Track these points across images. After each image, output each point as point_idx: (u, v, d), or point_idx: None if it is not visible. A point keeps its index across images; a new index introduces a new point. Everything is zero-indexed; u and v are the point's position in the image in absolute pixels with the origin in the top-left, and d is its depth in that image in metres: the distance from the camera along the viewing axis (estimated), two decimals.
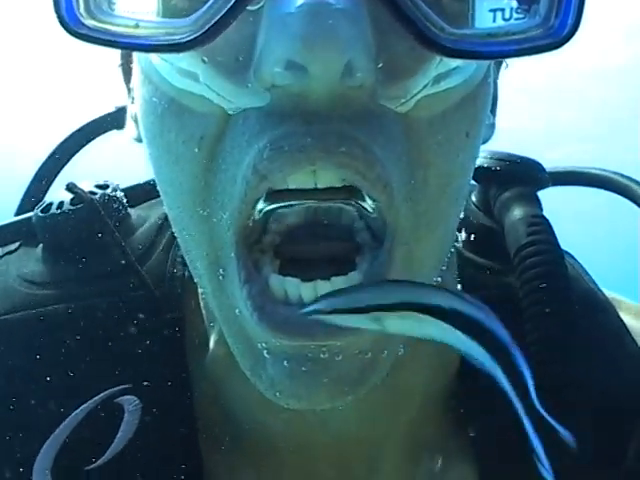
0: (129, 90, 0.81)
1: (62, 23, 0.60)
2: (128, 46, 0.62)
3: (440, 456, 0.87)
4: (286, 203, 0.66)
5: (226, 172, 0.65)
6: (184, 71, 0.64)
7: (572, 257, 0.96)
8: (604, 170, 1.07)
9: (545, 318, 0.83)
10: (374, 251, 0.68)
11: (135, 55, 0.73)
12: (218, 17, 0.59)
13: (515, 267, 0.87)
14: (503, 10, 0.63)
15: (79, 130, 1.10)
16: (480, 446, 0.85)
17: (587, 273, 0.94)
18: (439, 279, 0.76)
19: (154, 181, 0.74)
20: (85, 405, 0.81)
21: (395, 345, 0.72)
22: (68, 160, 1.10)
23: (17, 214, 1.03)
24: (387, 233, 0.67)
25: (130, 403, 0.81)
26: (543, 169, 0.96)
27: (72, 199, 0.89)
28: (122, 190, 0.94)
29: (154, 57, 0.66)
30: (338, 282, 0.65)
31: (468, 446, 0.86)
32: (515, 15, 0.63)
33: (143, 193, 0.95)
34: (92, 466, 0.80)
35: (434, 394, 0.87)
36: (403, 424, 0.86)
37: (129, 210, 0.93)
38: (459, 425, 0.87)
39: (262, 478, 0.86)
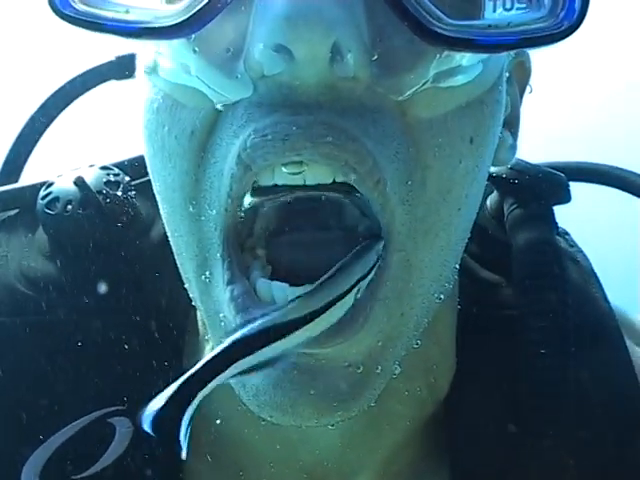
0: None
1: (51, 5, 0.60)
2: (113, 30, 0.60)
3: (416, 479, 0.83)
4: (272, 197, 0.64)
5: (214, 166, 0.63)
6: (177, 63, 0.63)
7: (590, 270, 0.89)
8: (614, 167, 1.02)
9: (540, 358, 0.80)
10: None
11: (137, 55, 0.73)
12: (204, 3, 0.58)
13: (517, 293, 0.83)
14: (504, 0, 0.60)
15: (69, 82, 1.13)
16: (457, 473, 0.82)
17: (602, 288, 0.88)
18: (442, 296, 0.71)
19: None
20: (79, 421, 0.79)
21: (389, 362, 0.68)
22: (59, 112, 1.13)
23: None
24: (382, 236, 0.64)
25: (123, 425, 0.79)
26: (566, 185, 0.90)
27: (81, 200, 0.84)
28: (128, 163, 0.90)
29: (150, 50, 0.66)
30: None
31: (445, 471, 0.82)
32: (517, 5, 0.59)
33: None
34: (78, 477, 0.78)
35: (418, 422, 0.83)
36: (383, 448, 0.82)
37: (138, 205, 0.87)
38: (438, 451, 0.83)
39: None
